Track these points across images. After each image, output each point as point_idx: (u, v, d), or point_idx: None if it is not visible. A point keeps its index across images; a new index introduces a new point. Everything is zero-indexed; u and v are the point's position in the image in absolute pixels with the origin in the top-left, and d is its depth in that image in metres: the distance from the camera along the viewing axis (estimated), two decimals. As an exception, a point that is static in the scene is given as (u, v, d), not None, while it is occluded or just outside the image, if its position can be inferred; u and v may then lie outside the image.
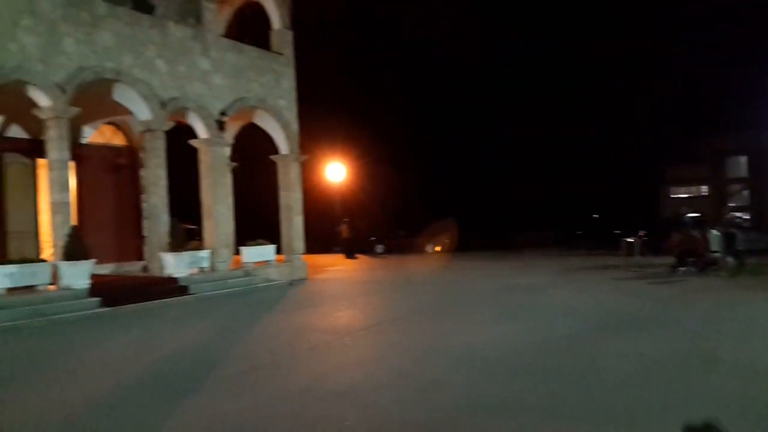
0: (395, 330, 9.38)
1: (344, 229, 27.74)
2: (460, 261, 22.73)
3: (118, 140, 17.60)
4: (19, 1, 11.61)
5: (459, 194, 33.75)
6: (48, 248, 14.70)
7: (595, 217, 33.71)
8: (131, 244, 17.08)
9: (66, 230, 12.24)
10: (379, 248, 29.49)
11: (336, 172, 29.87)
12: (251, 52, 16.74)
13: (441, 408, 5.37)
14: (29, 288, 11.69)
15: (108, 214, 16.66)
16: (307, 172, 20.26)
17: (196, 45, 15.07)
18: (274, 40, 17.76)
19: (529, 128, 31.85)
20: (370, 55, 34.73)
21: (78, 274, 12.07)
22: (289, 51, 17.84)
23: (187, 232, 15.57)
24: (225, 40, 16.01)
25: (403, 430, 4.90)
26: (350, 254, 27.10)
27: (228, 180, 16.11)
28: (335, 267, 21.67)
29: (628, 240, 21.40)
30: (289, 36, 17.87)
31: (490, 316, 10.30)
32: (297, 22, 18.19)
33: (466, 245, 28.74)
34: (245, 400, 5.82)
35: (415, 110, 34.50)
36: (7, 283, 11.35)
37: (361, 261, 24.81)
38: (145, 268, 15.92)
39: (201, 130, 15.49)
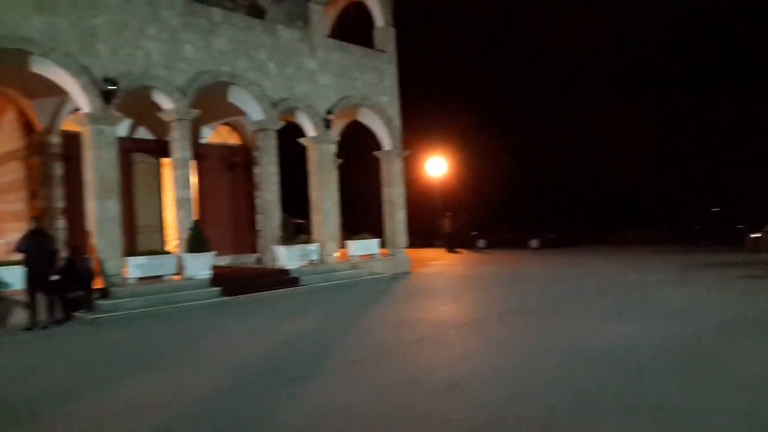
0: (502, 325, 9.28)
1: (446, 224, 27.71)
2: (566, 257, 22.02)
3: (233, 140, 18.66)
4: (145, 11, 12.58)
5: (564, 187, 32.61)
6: (172, 241, 15.88)
7: (716, 211, 31.33)
8: (246, 237, 18.07)
9: (189, 224, 13.15)
10: (481, 243, 29.19)
11: (437, 166, 29.88)
12: (355, 50, 17.12)
13: (553, 406, 5.27)
14: (157, 278, 12.68)
15: (225, 209, 17.71)
16: (409, 167, 20.43)
17: (303, 46, 15.63)
18: (377, 37, 18.04)
19: (638, 119, 30.15)
20: (473, 46, 34.33)
21: (200, 265, 12.94)
22: (391, 48, 18.06)
23: (296, 226, 16.24)
24: (331, 41, 16.48)
25: (515, 427, 4.86)
26: (452, 248, 27.04)
27: (334, 176, 16.59)
28: (437, 261, 21.72)
29: (755, 235, 19.77)
30: (391, 33, 18.09)
31: (603, 313, 9.93)
32: (398, 16, 18.37)
33: (572, 240, 27.79)
34: (356, 389, 6.01)
35: (516, 100, 33.73)
36: (138, 273, 12.38)
37: (463, 255, 24.68)
38: (258, 260, 16.78)
39: (309, 128, 16.06)
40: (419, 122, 27.86)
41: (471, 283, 15.11)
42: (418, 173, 29.98)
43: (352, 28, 18.64)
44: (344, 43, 16.88)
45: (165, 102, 13.10)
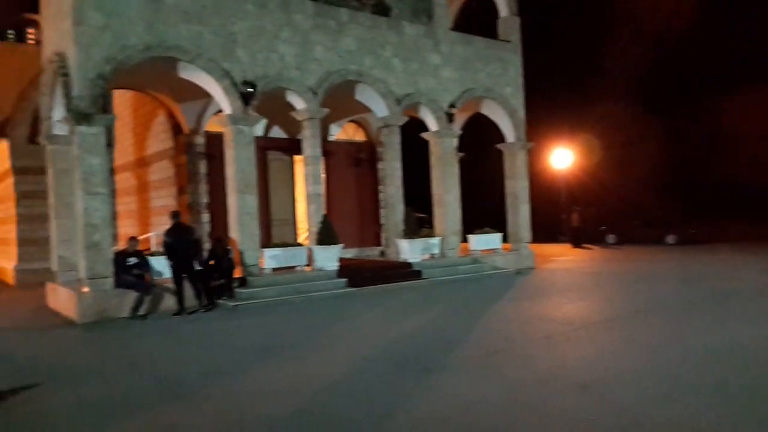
0: (636, 324, 8.84)
1: (573, 218, 26.70)
2: (707, 254, 20.39)
3: (359, 136, 19.23)
4: (279, 16, 13.28)
5: (705, 178, 30.14)
6: (303, 234, 16.70)
7: None
8: (370, 230, 18.59)
9: (318, 218, 13.75)
10: (611, 238, 27.79)
11: (562, 157, 28.84)
12: (478, 42, 16.94)
13: (696, 414, 4.96)
14: (290, 268, 13.41)
15: (350, 204, 18.31)
16: (532, 159, 19.87)
17: (427, 41, 15.73)
18: (501, 27, 17.73)
19: None
20: (601, 32, 32.65)
21: (329, 258, 13.51)
22: (516, 37, 17.68)
23: (419, 220, 16.44)
24: (454, 34, 16.44)
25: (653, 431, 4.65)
26: (578, 244, 26.02)
27: (456, 170, 16.57)
28: (563, 257, 21.01)
29: None
30: (516, 23, 17.70)
31: (748, 317, 9.13)
32: (523, 3, 17.92)
33: (715, 236, 25.66)
34: (485, 384, 6.01)
35: (650, 89, 31.62)
36: (273, 264, 13.16)
37: (591, 251, 23.66)
38: (382, 253, 17.20)
39: (431, 123, 16.16)
40: (544, 113, 27.00)
41: (600, 281, 14.48)
42: (542, 165, 29.10)
43: (475, 19, 18.45)
44: (467, 35, 16.76)
45: (297, 102, 13.77)
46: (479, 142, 20.96)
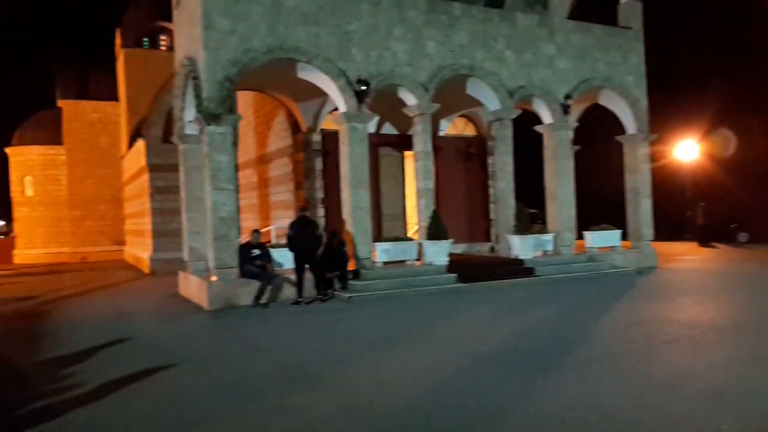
0: (774, 332, 8.14)
1: (698, 215, 24.94)
2: None
3: (468, 131, 19.10)
4: (392, 14, 13.47)
5: None
6: (412, 229, 16.88)
7: None
8: (480, 226, 18.43)
9: (428, 213, 13.84)
10: (742, 237, 25.64)
11: (687, 150, 26.95)
12: (596, 30, 16.23)
13: None
14: (400, 262, 13.62)
15: (460, 199, 18.24)
16: (653, 152, 18.73)
17: (541, 31, 15.30)
18: (622, 13, 16.86)
19: None
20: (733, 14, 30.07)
21: (438, 252, 13.57)
22: (637, 24, 16.75)
23: (530, 215, 16.06)
24: (570, 22, 15.86)
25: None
26: (705, 242, 24.27)
27: (570, 164, 16.02)
28: (687, 256, 19.69)
29: None
30: (637, 8, 16.77)
31: None
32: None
33: None
34: (604, 387, 5.81)
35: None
36: (385, 258, 13.43)
37: (719, 250, 21.98)
38: (492, 249, 17.01)
39: (545, 115, 15.72)
40: (668, 102, 25.38)
41: (730, 282, 13.44)
42: (665, 158, 27.34)
43: (593, 6, 17.66)
44: (584, 23, 16.10)
45: (409, 98, 13.92)
46: (596, 135, 20.09)
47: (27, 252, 29.92)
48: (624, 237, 16.92)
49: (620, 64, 16.44)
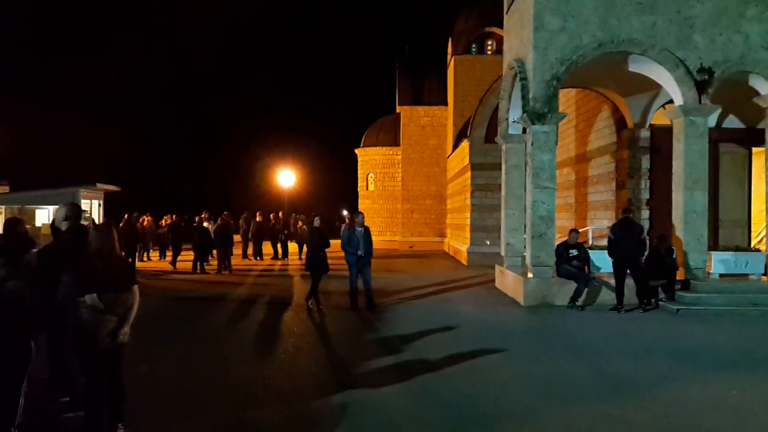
0: None
1: None
2: None
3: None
4: (746, -7, 11.75)
5: None
6: (757, 237, 14.54)
7: None
8: None
9: (783, 221, 11.75)
10: None
11: None
12: None
13: None
14: (741, 276, 11.88)
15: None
16: None
17: None
18: None
19: None
20: None
21: (796, 269, 11.43)
22: None
23: None
24: None
25: None
26: None
27: None
28: None
29: None
30: None
31: None
32: None
33: None
34: None
35: None
36: (721, 269, 11.91)
37: None
38: None
39: None
40: None
41: None
42: None
43: None
44: None
45: (762, 86, 12.01)
46: None
47: (366, 238, 34.61)
48: None
49: None
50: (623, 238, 11.05)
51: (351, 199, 41.11)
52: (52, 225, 5.94)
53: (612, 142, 16.01)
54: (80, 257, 4.89)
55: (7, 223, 5.20)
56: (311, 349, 8.23)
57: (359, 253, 11.06)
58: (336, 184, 61.68)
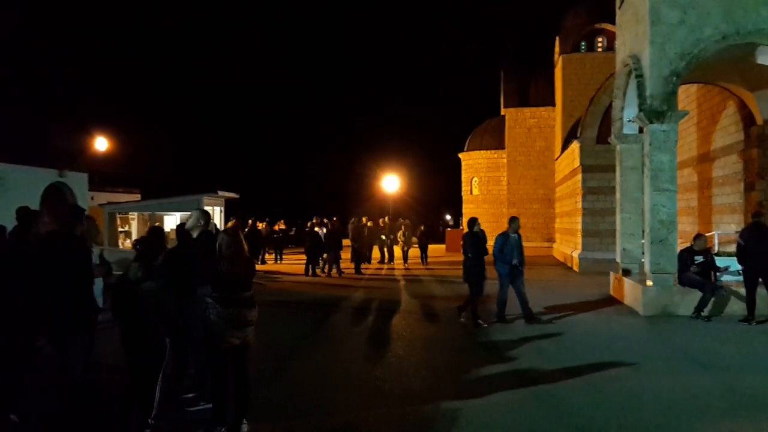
0: None
1: None
2: None
3: None
4: None
5: None
6: None
7: None
8: None
9: None
10: None
11: None
12: None
13: None
14: None
15: None
16: None
17: None
18: None
19: None
20: None
21: None
22: None
23: None
24: None
25: None
26: None
27: None
28: None
29: None
30: None
31: None
32: None
33: None
34: None
35: None
36: None
37: None
38: None
39: None
40: None
41: None
42: None
43: None
44: None
45: None
46: None
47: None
48: None
49: None
50: (754, 244, 10.19)
51: (455, 204, 40.95)
52: (182, 229, 6.45)
53: (739, 140, 14.84)
54: (209, 260, 5.27)
55: (152, 232, 5.72)
56: (419, 353, 8.30)
57: (514, 262, 10.36)
58: (440, 189, 61.79)
